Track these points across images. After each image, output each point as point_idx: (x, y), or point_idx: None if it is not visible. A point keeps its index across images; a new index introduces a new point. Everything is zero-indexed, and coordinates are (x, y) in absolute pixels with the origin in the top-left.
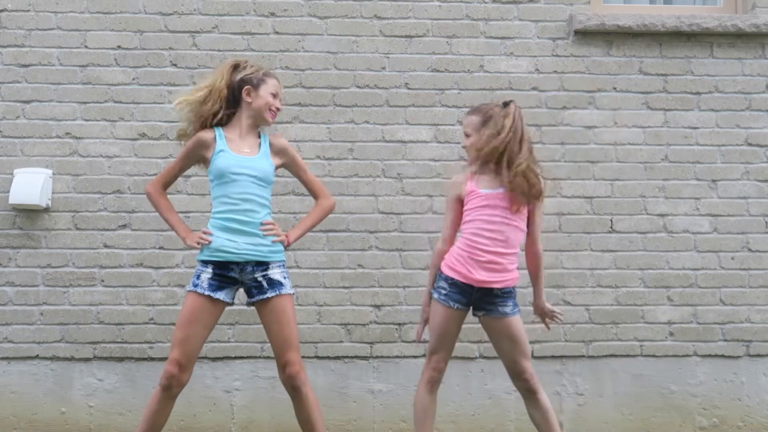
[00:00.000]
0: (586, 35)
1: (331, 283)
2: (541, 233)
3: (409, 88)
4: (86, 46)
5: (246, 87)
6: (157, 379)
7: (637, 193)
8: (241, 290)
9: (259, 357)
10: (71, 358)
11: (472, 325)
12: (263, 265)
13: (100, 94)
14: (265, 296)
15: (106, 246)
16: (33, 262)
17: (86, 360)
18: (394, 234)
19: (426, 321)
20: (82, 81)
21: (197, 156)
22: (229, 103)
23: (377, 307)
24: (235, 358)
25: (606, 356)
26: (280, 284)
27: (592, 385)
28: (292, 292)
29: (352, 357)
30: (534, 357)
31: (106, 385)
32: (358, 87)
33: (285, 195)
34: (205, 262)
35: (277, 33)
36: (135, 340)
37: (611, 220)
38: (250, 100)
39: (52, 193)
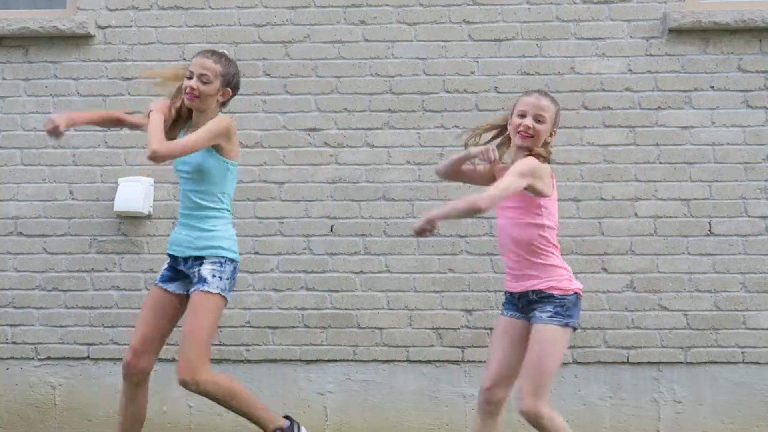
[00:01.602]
0: (681, 33)
1: (421, 287)
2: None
3: (498, 92)
4: (184, 59)
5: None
6: (254, 381)
7: (736, 194)
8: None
9: (352, 360)
10: (172, 360)
11: None
12: (199, 260)
13: None
14: (192, 290)
15: None
16: (136, 266)
17: None
18: (484, 238)
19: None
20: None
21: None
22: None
23: (468, 311)
24: (328, 361)
25: (705, 363)
26: (204, 281)
27: (690, 393)
28: (214, 291)
29: (443, 361)
30: (629, 363)
31: None
32: (448, 92)
33: (375, 201)
34: (168, 255)
35: (366, 41)
36: (232, 343)
37: (710, 223)
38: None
39: (154, 200)
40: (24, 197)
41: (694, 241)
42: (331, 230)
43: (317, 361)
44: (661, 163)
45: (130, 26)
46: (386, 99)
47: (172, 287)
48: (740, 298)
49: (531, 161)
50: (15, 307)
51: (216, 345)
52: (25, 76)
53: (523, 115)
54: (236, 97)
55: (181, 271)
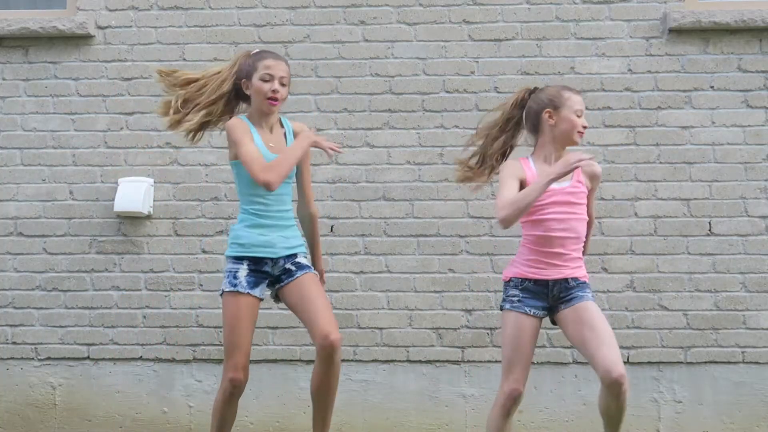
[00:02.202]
0: (681, 33)
1: (421, 287)
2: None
3: (498, 92)
4: (184, 59)
5: (243, 80)
6: (254, 381)
7: (736, 194)
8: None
9: (351, 360)
10: (172, 360)
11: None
12: (292, 256)
13: None
14: (294, 277)
15: (204, 251)
16: (136, 267)
17: (186, 362)
18: (484, 238)
19: None
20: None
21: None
22: (229, 100)
23: (468, 311)
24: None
25: (705, 363)
26: (307, 266)
27: (690, 393)
28: (316, 273)
29: (443, 361)
30: (629, 363)
31: (205, 386)
32: (448, 92)
33: (375, 201)
34: (238, 259)
35: (366, 41)
36: None
37: (710, 223)
38: (248, 91)
39: (154, 200)
40: (24, 197)
41: (694, 241)
42: (331, 230)
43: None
44: (661, 163)
45: (130, 26)
46: (386, 99)
47: (257, 292)
48: (740, 298)
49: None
50: (15, 307)
51: (216, 345)
52: (25, 76)
53: (579, 115)
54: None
55: (264, 272)
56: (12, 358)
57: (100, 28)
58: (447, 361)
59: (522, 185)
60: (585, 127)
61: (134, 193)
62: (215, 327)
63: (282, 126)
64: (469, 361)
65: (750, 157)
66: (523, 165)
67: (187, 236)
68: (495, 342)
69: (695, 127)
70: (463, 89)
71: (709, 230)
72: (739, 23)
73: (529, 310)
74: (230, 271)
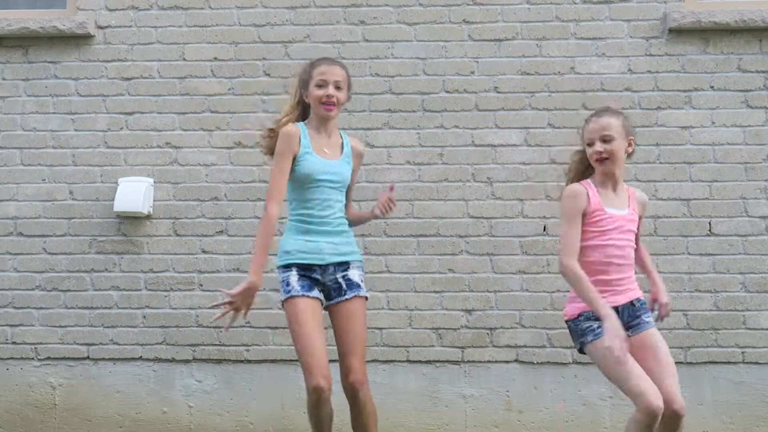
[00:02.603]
0: (681, 33)
1: (421, 287)
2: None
3: (498, 92)
4: (184, 59)
5: (301, 89)
6: (254, 381)
7: (736, 194)
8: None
9: None
10: (172, 360)
11: (564, 330)
12: (344, 266)
13: (198, 104)
14: (343, 298)
15: (204, 251)
16: (136, 267)
17: (186, 362)
18: (484, 238)
19: None
20: (181, 92)
21: (292, 152)
22: (301, 114)
23: (468, 311)
24: (329, 361)
25: (705, 363)
26: (358, 286)
27: (691, 393)
28: (367, 295)
29: (443, 361)
30: None
31: (205, 386)
32: (448, 92)
33: (375, 201)
34: (286, 267)
35: (366, 41)
36: (232, 343)
37: (709, 223)
38: (307, 100)
39: (154, 200)
40: (24, 197)
41: (694, 241)
42: None
43: None
44: (661, 163)
45: (130, 26)
46: (386, 99)
47: (316, 294)
48: (740, 298)
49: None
50: (15, 307)
51: (216, 345)
52: (25, 76)
53: (591, 144)
54: (235, 97)
55: (314, 278)
56: (12, 358)
57: (100, 27)
58: (447, 361)
59: (584, 215)
60: (599, 153)
61: (134, 193)
62: (215, 327)
63: (341, 137)
64: (469, 362)
65: (750, 157)
66: (588, 191)
67: (187, 236)
68: (495, 342)
69: (695, 127)
70: (463, 89)
71: (709, 230)
72: (739, 23)
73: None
74: (282, 281)
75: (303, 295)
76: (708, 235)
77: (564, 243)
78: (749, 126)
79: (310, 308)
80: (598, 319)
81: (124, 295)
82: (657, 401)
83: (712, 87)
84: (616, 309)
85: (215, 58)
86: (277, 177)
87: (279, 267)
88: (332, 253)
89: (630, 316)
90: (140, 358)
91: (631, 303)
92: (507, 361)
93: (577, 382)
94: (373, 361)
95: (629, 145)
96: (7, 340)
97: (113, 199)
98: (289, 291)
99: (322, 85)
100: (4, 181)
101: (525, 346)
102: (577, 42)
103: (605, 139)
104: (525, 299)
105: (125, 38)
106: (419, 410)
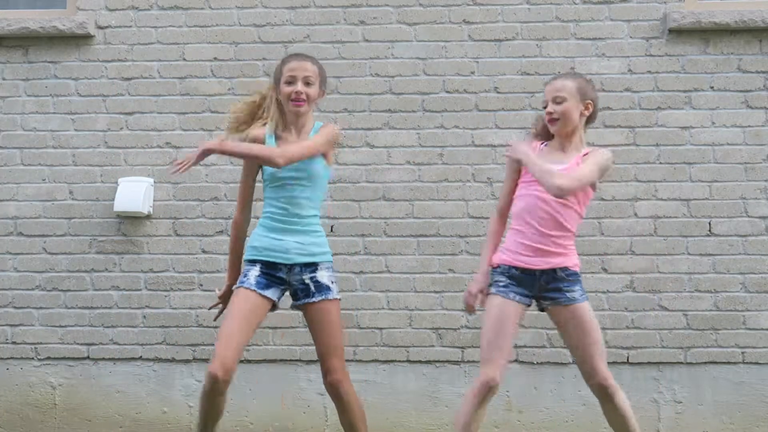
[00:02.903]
0: (681, 33)
1: (421, 287)
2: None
3: (498, 92)
4: (184, 59)
5: (273, 86)
6: (253, 382)
7: (736, 194)
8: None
9: (352, 360)
10: (172, 360)
11: None
12: (311, 267)
13: (198, 104)
14: (312, 300)
15: (204, 251)
16: (136, 267)
17: (186, 361)
18: (484, 238)
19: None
20: (181, 92)
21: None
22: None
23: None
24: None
25: (705, 363)
26: (328, 289)
27: (690, 393)
28: (339, 297)
29: (443, 361)
30: (629, 363)
31: None
32: (448, 92)
33: (375, 201)
34: (251, 261)
35: (366, 41)
36: None
37: (709, 223)
38: (280, 98)
39: (154, 200)
40: (24, 197)
41: (694, 241)
42: (331, 230)
43: (317, 361)
44: (661, 163)
45: (130, 26)
46: (386, 99)
47: (269, 293)
48: (740, 298)
49: (609, 156)
50: (15, 307)
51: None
52: (25, 76)
53: (545, 105)
54: (235, 97)
55: (279, 277)
56: (12, 358)
57: (100, 28)
58: (447, 361)
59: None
60: (550, 113)
61: (134, 193)
62: (215, 327)
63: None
64: (469, 362)
65: (750, 157)
66: (530, 147)
67: (187, 236)
68: None
69: (695, 127)
70: (463, 89)
71: (709, 230)
72: (739, 23)
73: (514, 297)
74: (243, 272)
75: (251, 289)
76: (708, 235)
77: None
78: (749, 126)
79: (251, 303)
80: (511, 277)
81: (124, 295)
82: (493, 373)
83: (712, 87)
84: (531, 272)
85: (215, 58)
86: (241, 182)
87: (245, 260)
88: (299, 253)
89: (547, 282)
90: (140, 358)
91: (553, 270)
92: (508, 362)
93: (577, 382)
94: (373, 361)
95: (586, 108)
96: (7, 339)
97: (113, 199)
98: (243, 282)
99: (291, 81)
100: (5, 181)
101: (525, 346)
102: (577, 42)
103: (557, 101)
104: None
105: (125, 38)
106: (419, 410)
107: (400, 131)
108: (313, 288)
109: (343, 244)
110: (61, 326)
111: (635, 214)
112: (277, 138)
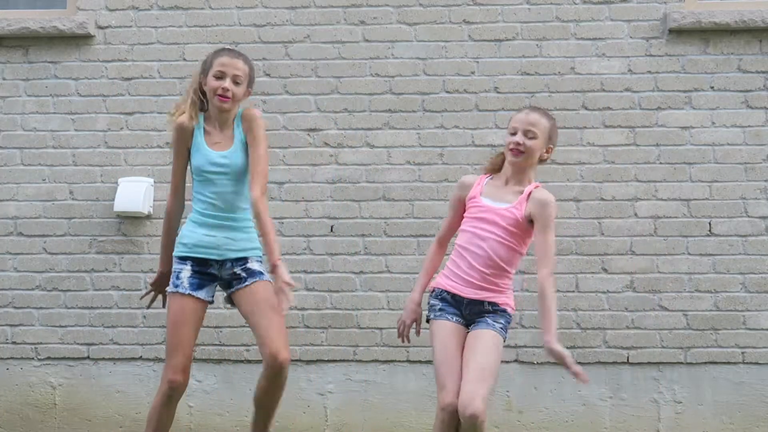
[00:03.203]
0: (681, 33)
1: None
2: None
3: (498, 92)
4: (185, 59)
5: (201, 77)
6: (253, 382)
7: (736, 194)
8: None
9: (352, 360)
10: None
11: (564, 330)
12: (242, 261)
13: None
14: (244, 284)
15: None
16: (136, 267)
17: None
18: None
19: None
20: (181, 92)
21: (184, 147)
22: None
23: None
24: (328, 361)
25: (705, 363)
26: (261, 273)
27: (690, 393)
28: (271, 280)
29: None
30: (629, 363)
31: (205, 386)
32: (448, 92)
33: (375, 201)
34: (182, 259)
35: (367, 41)
36: (232, 343)
37: (710, 223)
38: (205, 88)
39: (154, 200)
40: (24, 197)
41: (694, 241)
42: (331, 230)
43: (317, 361)
44: (661, 163)
45: (130, 26)
46: (386, 99)
47: (203, 294)
48: (740, 298)
49: (555, 205)
50: (15, 307)
51: (216, 345)
52: (25, 76)
53: (514, 133)
54: None
55: (209, 274)
56: (12, 358)
57: (100, 28)
58: None
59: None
60: (518, 144)
61: (134, 193)
62: (215, 327)
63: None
64: None
65: (750, 157)
66: (477, 181)
67: None
68: None
69: (695, 127)
70: (463, 89)
71: (709, 231)
72: (739, 23)
73: (452, 318)
74: (175, 271)
75: (186, 294)
76: (708, 236)
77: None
78: (749, 126)
79: (189, 309)
80: (444, 300)
81: (125, 295)
82: (450, 398)
83: (712, 87)
84: (460, 298)
85: None
86: (173, 170)
87: (175, 257)
88: (230, 248)
89: (472, 311)
90: (140, 358)
91: (481, 302)
92: (507, 361)
93: (577, 382)
94: (373, 361)
95: (547, 151)
96: (7, 339)
97: (113, 199)
98: (177, 285)
99: (219, 76)
100: (5, 180)
101: (525, 346)
102: (577, 42)
103: (529, 135)
104: (525, 299)
105: (125, 38)
106: (419, 410)
107: (400, 131)
108: (244, 274)
109: (343, 244)
110: (61, 326)
111: (635, 214)
112: (205, 132)
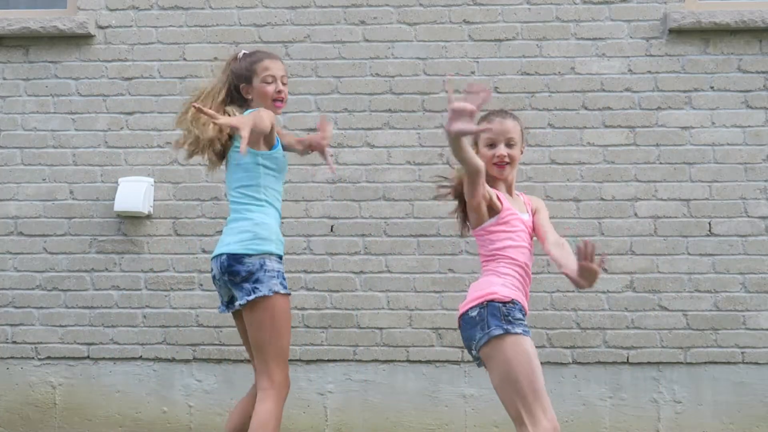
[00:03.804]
0: (681, 34)
1: (421, 287)
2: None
3: (498, 92)
4: (185, 59)
5: (242, 85)
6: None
7: (736, 194)
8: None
9: (352, 360)
10: (172, 360)
11: (564, 330)
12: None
13: None
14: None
15: (204, 251)
16: (136, 266)
17: (186, 361)
18: None
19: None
20: (181, 92)
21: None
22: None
23: None
24: (328, 361)
25: (705, 363)
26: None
27: (690, 393)
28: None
29: (443, 361)
30: (629, 363)
31: (205, 386)
32: (448, 92)
33: (375, 201)
34: (280, 258)
35: (367, 41)
36: (232, 343)
37: (709, 223)
38: (251, 97)
39: (154, 200)
40: (24, 197)
41: (694, 241)
42: (331, 230)
43: (317, 361)
44: (661, 163)
45: (130, 26)
46: (386, 99)
47: None
48: (740, 298)
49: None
50: (15, 307)
51: (216, 345)
52: (26, 76)
53: (492, 144)
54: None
55: None
56: (12, 358)
57: (100, 27)
58: (447, 361)
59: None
60: (503, 156)
61: (134, 193)
62: (215, 327)
63: None
64: (469, 361)
65: (750, 157)
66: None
67: (187, 236)
68: None
69: (695, 127)
70: (463, 89)
71: (709, 231)
72: (739, 24)
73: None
74: (279, 271)
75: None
76: (708, 236)
77: None
78: (749, 126)
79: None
80: (524, 316)
81: (125, 295)
82: (555, 422)
83: (712, 87)
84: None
85: (215, 58)
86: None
87: (275, 255)
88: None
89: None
90: (140, 357)
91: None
92: None
93: (577, 382)
94: (373, 361)
95: (521, 152)
96: (7, 339)
97: (113, 199)
98: (286, 287)
99: (271, 81)
100: (5, 180)
101: None
102: (577, 42)
103: (510, 143)
104: None
105: (126, 38)
106: (419, 410)
107: (400, 131)
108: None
109: (343, 244)
110: (61, 326)
111: (635, 214)
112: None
